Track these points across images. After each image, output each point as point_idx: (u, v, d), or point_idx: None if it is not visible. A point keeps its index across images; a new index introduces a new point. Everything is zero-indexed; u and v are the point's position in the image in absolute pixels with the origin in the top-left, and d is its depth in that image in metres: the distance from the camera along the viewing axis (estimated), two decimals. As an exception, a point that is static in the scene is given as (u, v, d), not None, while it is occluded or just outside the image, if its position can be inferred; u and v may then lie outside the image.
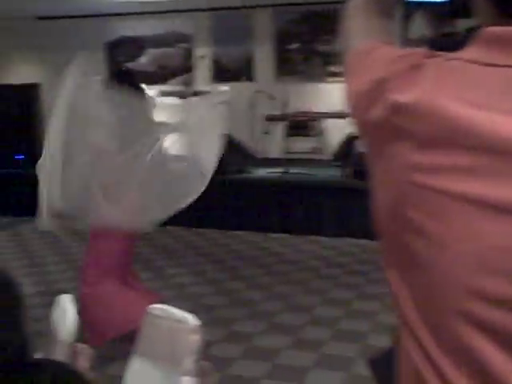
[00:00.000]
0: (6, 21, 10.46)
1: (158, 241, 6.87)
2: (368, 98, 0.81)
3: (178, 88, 8.99)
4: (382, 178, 0.81)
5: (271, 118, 8.62)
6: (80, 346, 1.57)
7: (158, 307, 1.87)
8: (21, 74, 10.50)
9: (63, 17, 10.30)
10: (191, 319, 1.77)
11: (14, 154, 8.24)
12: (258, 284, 5.31)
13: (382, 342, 3.83)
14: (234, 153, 7.63)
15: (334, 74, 9.23)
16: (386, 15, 0.97)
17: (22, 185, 8.18)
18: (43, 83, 8.68)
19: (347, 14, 1.00)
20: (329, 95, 9.21)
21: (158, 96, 9.12)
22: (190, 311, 1.82)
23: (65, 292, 1.62)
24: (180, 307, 1.87)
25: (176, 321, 1.78)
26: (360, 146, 6.84)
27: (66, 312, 2.12)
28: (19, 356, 1.10)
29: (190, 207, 7.48)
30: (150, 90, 9.24)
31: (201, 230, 7.30)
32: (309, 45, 9.38)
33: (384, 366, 1.78)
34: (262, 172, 7.71)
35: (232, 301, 4.88)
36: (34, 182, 8.14)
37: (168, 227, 7.34)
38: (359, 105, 0.84)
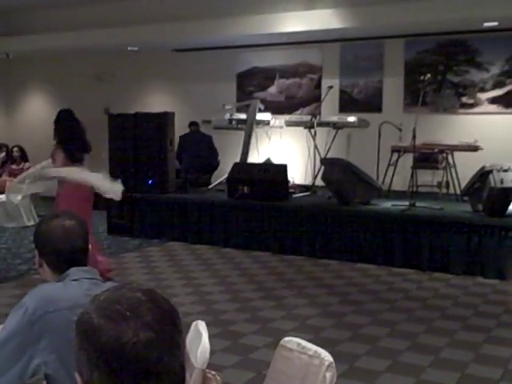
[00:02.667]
0: (146, 53, 11.11)
1: (279, 270, 6.92)
2: None
3: (304, 118, 9.07)
4: None
5: (398, 150, 8.46)
6: (212, 372, 1.60)
7: (291, 340, 1.84)
8: (156, 102, 11.08)
9: (197, 49, 10.77)
10: (325, 355, 1.73)
11: (147, 178, 8.66)
12: (381, 320, 5.18)
13: (515, 392, 3.60)
14: (358, 184, 7.57)
15: (466, 106, 8.95)
16: None
17: (152, 209, 8.59)
18: (176, 111, 9.07)
19: None
20: (459, 127, 8.93)
21: (284, 125, 9.27)
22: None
23: (191, 313, 1.64)
24: (300, 339, 1.84)
25: (309, 356, 1.76)
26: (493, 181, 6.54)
27: (200, 337, 2.16)
28: None
29: (312, 238, 7.52)
30: (277, 119, 9.45)
31: (322, 261, 7.26)
32: (441, 75, 9.16)
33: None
34: (386, 204, 7.56)
35: (354, 336, 4.79)
36: (162, 207, 8.49)
37: (289, 257, 7.41)
38: None
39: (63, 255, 2.07)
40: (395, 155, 8.50)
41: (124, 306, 1.09)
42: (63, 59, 12.08)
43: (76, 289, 1.98)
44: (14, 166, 10.46)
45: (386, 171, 8.52)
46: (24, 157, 10.59)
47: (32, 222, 9.30)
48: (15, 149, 10.59)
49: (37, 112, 12.62)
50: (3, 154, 10.76)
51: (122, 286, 1.17)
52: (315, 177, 8.70)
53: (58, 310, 1.89)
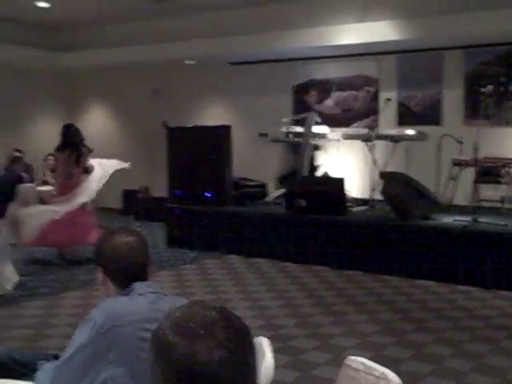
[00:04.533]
0: (203, 67, 11.26)
1: (338, 285, 6.88)
2: None
3: (362, 131, 9.02)
4: None
5: (459, 163, 8.30)
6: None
7: (356, 360, 1.81)
8: (213, 115, 11.21)
9: (254, 62, 10.85)
10: (392, 376, 1.70)
11: (205, 191, 8.76)
12: (444, 338, 5.07)
13: None
14: (418, 198, 7.46)
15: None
16: None
17: (210, 222, 8.67)
18: (233, 124, 9.16)
19: None
20: (524, 140, 8.72)
21: (341, 138, 9.23)
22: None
23: (250, 327, 1.66)
24: (361, 357, 1.81)
25: (376, 377, 1.73)
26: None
27: (264, 355, 2.16)
28: None
29: (371, 253, 7.44)
30: (334, 132, 9.42)
31: (382, 277, 7.17)
32: (503, 87, 8.96)
33: None
34: (448, 220, 7.42)
35: (417, 354, 4.70)
36: (220, 220, 8.57)
37: (348, 272, 7.34)
38: None
39: (128, 271, 2.11)
40: (455, 169, 8.34)
41: (198, 323, 1.09)
42: (121, 73, 12.37)
43: (142, 303, 2.01)
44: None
45: (447, 185, 8.37)
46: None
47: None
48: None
49: (97, 125, 12.95)
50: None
51: (195, 303, 1.18)
52: (373, 190, 8.63)
53: (126, 324, 1.92)
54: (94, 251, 2.22)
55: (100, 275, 2.17)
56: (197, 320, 1.10)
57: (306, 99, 10.63)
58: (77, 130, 8.00)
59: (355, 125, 10.04)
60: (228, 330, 1.09)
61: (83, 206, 7.77)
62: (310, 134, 9.21)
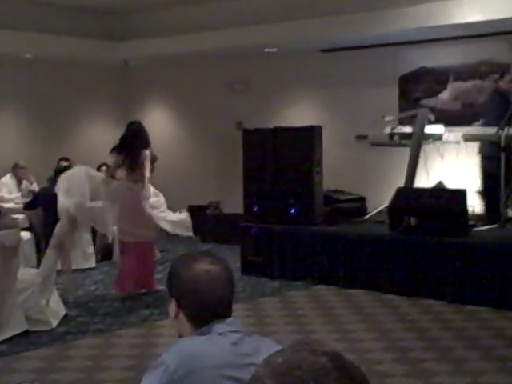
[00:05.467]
0: (286, 55, 11.33)
1: (456, 324, 6.75)
2: None
3: (489, 131, 8.74)
4: None
5: None
6: None
7: None
8: (299, 114, 11.22)
9: (349, 48, 10.82)
10: None
11: (289, 206, 8.75)
12: None
13: None
14: None
15: None
16: None
17: (295, 244, 8.66)
18: (324, 125, 9.13)
19: None
20: None
21: (462, 140, 9.02)
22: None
23: None
24: None
25: None
26: None
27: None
28: None
29: (500, 284, 7.19)
30: (452, 133, 9.22)
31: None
32: None
33: None
34: None
35: None
36: (307, 242, 8.55)
37: (469, 307, 7.17)
38: None
39: (208, 307, 2.12)
40: None
41: (306, 372, 1.09)
42: (187, 66, 12.60)
43: (223, 344, 2.03)
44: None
45: None
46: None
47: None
48: None
49: (157, 127, 13.22)
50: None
51: (301, 346, 1.18)
52: (506, 206, 8.39)
53: (204, 370, 1.94)
54: (167, 278, 2.24)
55: (173, 309, 2.18)
56: (304, 368, 1.10)
57: (414, 92, 10.49)
58: (137, 129, 8.04)
59: (479, 123, 9.78)
60: (344, 381, 1.10)
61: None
62: (421, 136, 9.06)
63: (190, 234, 8.42)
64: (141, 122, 8.20)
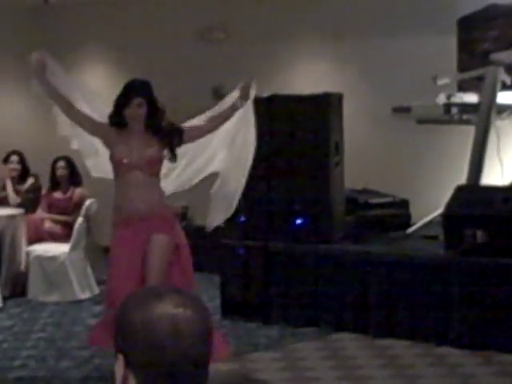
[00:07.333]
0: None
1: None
2: None
3: None
4: None
5: None
6: None
7: None
8: (305, 76, 11.25)
9: None
10: None
11: (294, 215, 8.76)
12: None
13: None
14: None
15: None
16: None
17: (302, 272, 8.67)
18: (345, 92, 9.17)
19: None
20: None
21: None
22: None
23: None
24: None
25: None
26: None
27: None
28: None
29: None
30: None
31: None
32: None
33: None
34: None
35: None
36: (319, 268, 8.60)
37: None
38: None
39: (168, 368, 2.12)
40: None
41: None
42: (139, 4, 12.62)
43: None
44: (56, 195, 10.80)
45: None
46: (72, 178, 10.82)
47: (88, 294, 9.68)
48: (60, 164, 10.77)
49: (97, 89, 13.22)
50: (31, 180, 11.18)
51: None
52: None
53: None
54: (114, 324, 2.23)
55: (119, 370, 2.18)
56: None
57: (481, 43, 10.53)
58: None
59: None
60: None
61: None
62: (491, 107, 9.10)
63: None
64: None
